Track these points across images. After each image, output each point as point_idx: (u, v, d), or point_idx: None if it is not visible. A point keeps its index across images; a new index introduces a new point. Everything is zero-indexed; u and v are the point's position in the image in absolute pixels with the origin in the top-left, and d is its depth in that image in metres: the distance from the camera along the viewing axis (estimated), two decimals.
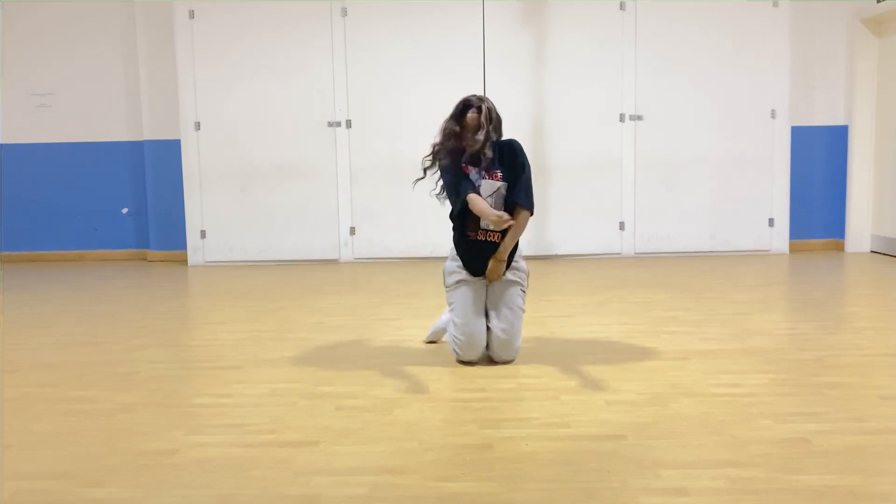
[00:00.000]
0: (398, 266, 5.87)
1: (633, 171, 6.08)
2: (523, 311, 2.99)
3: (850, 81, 6.14)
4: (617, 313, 3.88)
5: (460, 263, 3.00)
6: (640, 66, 6.00)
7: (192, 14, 6.06)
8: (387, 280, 5.20)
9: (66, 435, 2.26)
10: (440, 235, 6.04)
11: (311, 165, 6.13)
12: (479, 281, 2.98)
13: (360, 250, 6.19)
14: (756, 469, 1.90)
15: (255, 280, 5.33)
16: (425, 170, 2.97)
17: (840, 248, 6.30)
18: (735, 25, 5.97)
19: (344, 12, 6.00)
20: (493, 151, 2.89)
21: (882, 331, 3.38)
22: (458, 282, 2.99)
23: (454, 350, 2.95)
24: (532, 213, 2.93)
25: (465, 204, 2.84)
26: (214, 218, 6.21)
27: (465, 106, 2.88)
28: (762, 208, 6.13)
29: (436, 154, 2.93)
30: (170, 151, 6.32)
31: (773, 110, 6.05)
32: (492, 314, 2.95)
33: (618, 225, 6.13)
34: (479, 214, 2.84)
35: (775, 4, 5.96)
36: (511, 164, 2.91)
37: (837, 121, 6.24)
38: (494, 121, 2.88)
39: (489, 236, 2.90)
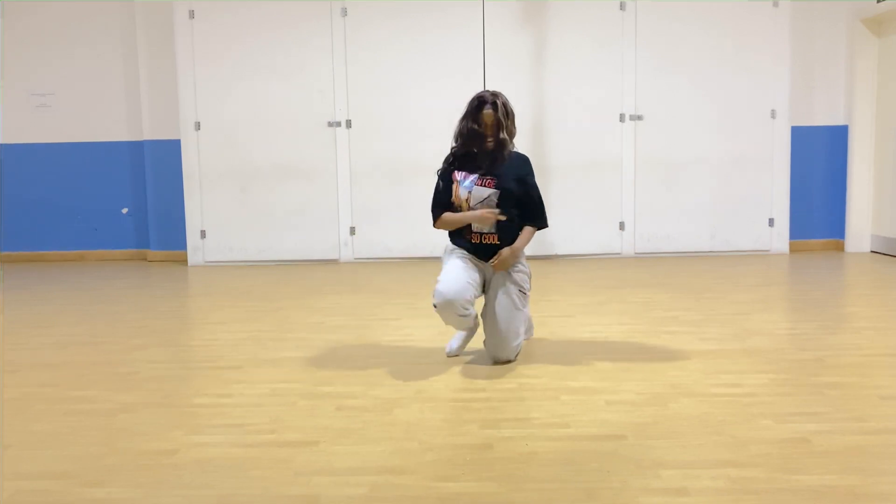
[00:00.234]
0: (398, 266, 5.87)
1: (633, 171, 6.08)
2: (522, 311, 2.97)
3: (850, 81, 6.14)
4: (617, 313, 3.88)
5: (455, 246, 3.00)
6: (640, 66, 6.00)
7: (192, 14, 6.06)
8: (387, 280, 5.20)
9: (66, 435, 2.26)
10: (440, 235, 6.04)
11: (311, 165, 6.13)
12: (476, 261, 2.96)
13: (360, 250, 6.19)
14: (756, 469, 1.90)
15: (255, 280, 5.33)
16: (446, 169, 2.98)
17: (840, 248, 6.30)
18: (735, 25, 5.97)
19: (344, 12, 6.00)
20: (500, 158, 2.88)
21: (882, 331, 3.38)
22: (454, 252, 2.97)
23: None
24: (547, 226, 3.02)
25: (437, 221, 2.93)
26: (214, 218, 6.21)
27: (480, 102, 2.86)
28: (762, 208, 6.13)
29: (451, 159, 2.95)
30: (170, 151, 6.32)
31: (773, 110, 6.05)
32: (489, 312, 2.94)
33: (618, 225, 6.13)
34: (461, 224, 2.87)
35: (775, 4, 5.96)
36: (520, 180, 2.90)
37: (837, 121, 6.24)
38: (511, 116, 2.89)
39: (485, 238, 2.90)
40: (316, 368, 2.94)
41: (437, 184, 2.97)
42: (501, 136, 2.85)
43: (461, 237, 2.97)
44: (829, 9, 6.12)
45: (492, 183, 2.87)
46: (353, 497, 1.80)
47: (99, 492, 1.86)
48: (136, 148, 6.56)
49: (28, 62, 6.58)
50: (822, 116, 6.24)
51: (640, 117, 6.04)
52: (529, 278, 3.03)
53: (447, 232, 3.02)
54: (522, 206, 2.94)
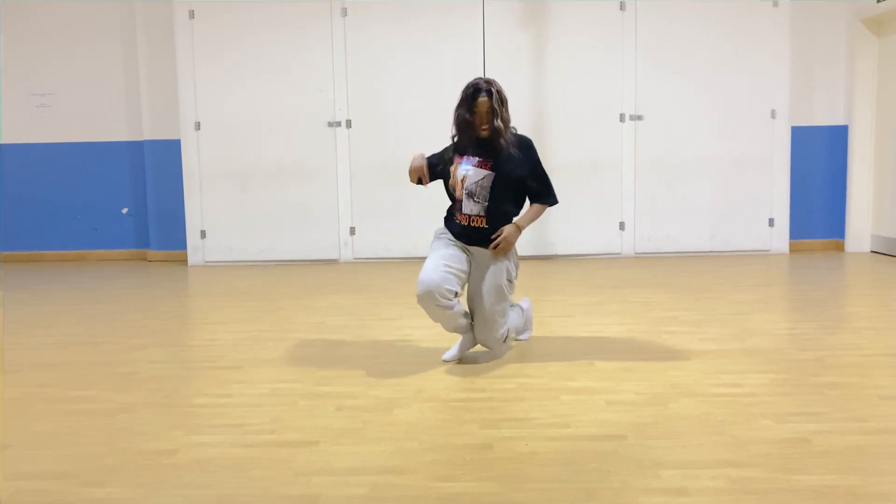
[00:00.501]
0: (398, 266, 5.87)
1: (633, 171, 6.08)
2: (508, 298, 2.95)
3: (850, 81, 6.14)
4: (617, 313, 3.88)
5: (445, 229, 3.02)
6: (640, 66, 6.00)
7: (192, 14, 6.06)
8: (387, 280, 5.20)
9: (66, 435, 2.26)
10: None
11: (311, 165, 6.13)
12: (463, 247, 2.96)
13: (360, 250, 6.19)
14: (756, 469, 1.90)
15: (255, 280, 5.33)
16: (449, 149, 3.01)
17: (840, 248, 6.30)
18: (735, 25, 5.97)
19: (344, 12, 6.00)
20: (498, 142, 2.89)
21: (882, 331, 3.38)
22: (441, 237, 3.00)
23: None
24: (557, 202, 3.04)
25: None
26: (214, 218, 6.21)
27: (474, 91, 2.86)
28: (762, 208, 6.13)
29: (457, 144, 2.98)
30: (170, 151, 6.32)
31: (773, 110, 6.05)
32: (475, 295, 2.93)
33: (618, 225, 6.13)
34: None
35: (775, 4, 5.96)
36: (527, 164, 2.91)
37: (837, 121, 6.24)
38: (504, 103, 2.90)
39: (473, 221, 2.90)
40: (316, 368, 2.94)
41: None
42: (496, 123, 2.85)
43: (452, 219, 2.98)
44: (829, 9, 6.12)
45: (488, 165, 2.88)
46: (353, 497, 1.80)
47: (99, 492, 1.86)
48: (136, 148, 6.56)
49: (28, 62, 6.58)
50: (822, 116, 6.24)
51: (640, 117, 6.04)
52: (517, 268, 3.02)
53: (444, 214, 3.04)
54: (527, 187, 2.96)
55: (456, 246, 2.96)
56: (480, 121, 2.85)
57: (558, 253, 6.13)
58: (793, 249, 6.21)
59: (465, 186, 2.88)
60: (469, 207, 2.89)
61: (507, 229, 2.89)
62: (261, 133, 6.12)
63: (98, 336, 3.62)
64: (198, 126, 6.14)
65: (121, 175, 6.63)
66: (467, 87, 2.88)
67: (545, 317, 3.78)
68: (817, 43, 6.16)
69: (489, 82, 2.88)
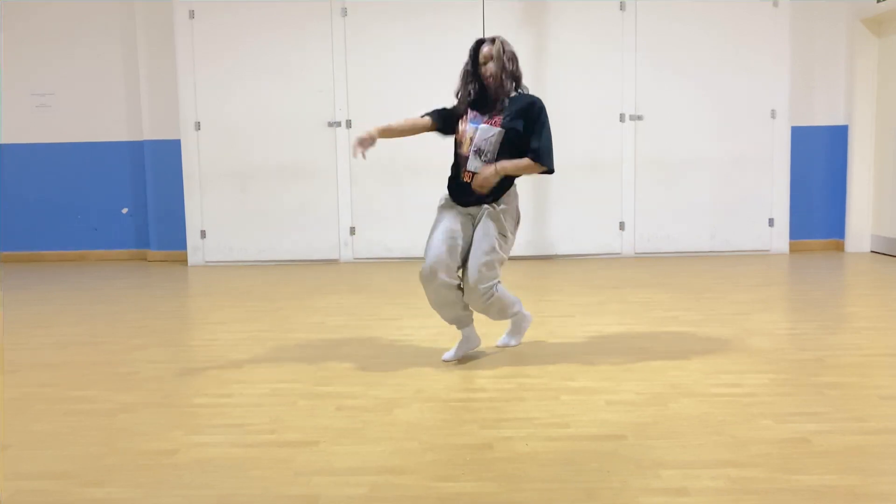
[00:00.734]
0: (398, 266, 5.87)
1: (633, 171, 6.08)
2: (497, 253, 2.89)
3: (850, 81, 6.14)
4: (617, 313, 3.88)
5: (448, 194, 3.01)
6: (640, 66, 6.00)
7: (192, 14, 6.06)
8: (387, 280, 5.20)
9: (66, 435, 2.26)
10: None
11: (311, 165, 6.13)
12: (460, 211, 2.96)
13: (360, 250, 6.19)
14: (756, 469, 1.90)
15: (255, 280, 5.33)
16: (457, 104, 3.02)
17: (840, 248, 6.30)
18: (735, 25, 5.97)
19: (344, 12, 6.00)
20: (510, 101, 2.89)
21: (882, 331, 3.38)
22: (442, 206, 3.00)
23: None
24: (552, 171, 2.97)
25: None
26: (214, 218, 6.21)
27: (478, 42, 2.91)
28: (762, 208, 6.13)
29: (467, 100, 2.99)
30: (170, 151, 6.32)
31: (773, 110, 6.05)
32: (468, 250, 2.94)
33: (618, 225, 6.13)
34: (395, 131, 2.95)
35: (775, 4, 5.96)
36: (530, 121, 2.89)
37: (837, 121, 6.24)
38: (508, 53, 2.89)
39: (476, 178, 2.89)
40: (316, 368, 2.94)
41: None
42: (501, 73, 2.83)
43: (455, 178, 2.97)
44: (829, 9, 6.12)
45: (497, 123, 2.88)
46: (353, 497, 1.80)
47: (99, 492, 1.86)
48: (136, 148, 6.56)
49: (28, 62, 6.58)
50: (822, 116, 6.24)
51: (640, 117, 6.04)
52: (517, 224, 3.00)
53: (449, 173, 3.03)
54: (528, 146, 2.92)
55: (459, 215, 2.95)
56: (485, 71, 2.87)
57: (558, 253, 6.13)
58: (793, 249, 6.21)
59: (473, 143, 2.89)
60: (474, 164, 2.89)
61: (485, 171, 2.86)
62: (261, 133, 6.12)
63: (98, 336, 3.62)
64: (198, 126, 6.14)
65: (121, 175, 6.63)
66: (473, 44, 2.94)
67: (545, 317, 3.78)
68: (817, 43, 6.16)
69: (494, 37, 2.91)
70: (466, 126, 2.93)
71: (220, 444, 2.15)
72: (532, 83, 5.98)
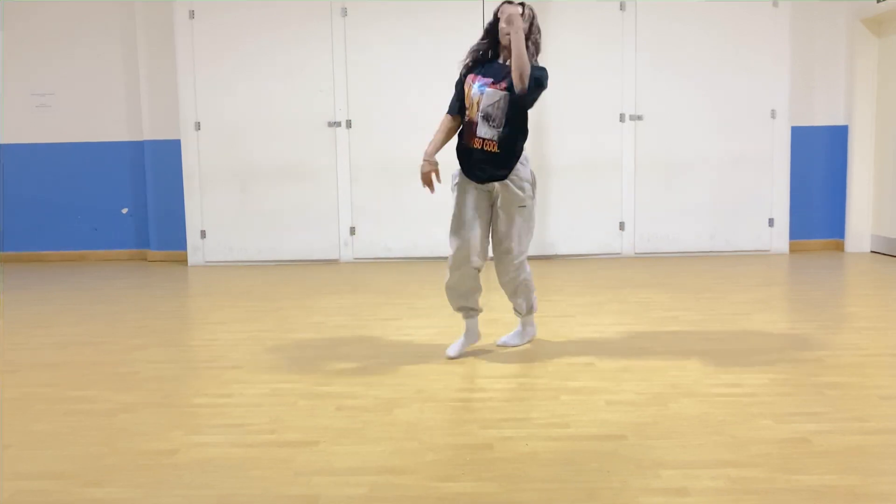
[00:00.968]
0: (398, 266, 5.87)
1: (633, 171, 6.08)
2: (526, 223, 2.97)
3: (850, 81, 6.14)
4: (617, 313, 3.88)
5: (461, 170, 3.01)
6: (640, 66, 6.00)
7: (192, 14, 6.06)
8: (387, 280, 5.20)
9: (66, 435, 2.26)
10: (440, 235, 6.04)
11: (311, 165, 6.13)
12: (478, 188, 2.97)
13: (360, 250, 6.19)
14: (756, 469, 1.90)
15: (255, 280, 5.33)
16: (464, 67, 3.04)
17: (840, 248, 6.30)
18: (735, 25, 5.97)
19: (344, 12, 6.00)
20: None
21: (882, 331, 3.38)
22: (458, 184, 3.02)
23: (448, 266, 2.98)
24: (526, 92, 2.82)
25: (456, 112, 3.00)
26: (214, 218, 6.21)
27: (504, 2, 2.91)
28: (762, 208, 6.13)
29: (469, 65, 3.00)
30: (170, 151, 6.32)
31: (773, 110, 6.05)
32: (495, 236, 3.00)
33: (618, 225, 6.13)
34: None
35: (775, 4, 5.96)
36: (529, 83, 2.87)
37: (837, 121, 6.24)
38: (534, 25, 2.90)
39: (485, 145, 2.89)
40: (316, 368, 2.94)
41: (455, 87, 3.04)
42: (516, 31, 2.79)
43: (464, 147, 2.96)
44: (829, 9, 6.12)
45: (503, 86, 2.88)
46: (353, 497, 1.80)
47: (99, 492, 1.86)
48: (136, 148, 6.56)
49: (28, 62, 6.58)
50: (822, 116, 6.24)
51: (640, 117, 6.04)
52: (533, 187, 3.00)
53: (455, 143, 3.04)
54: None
55: (478, 191, 2.96)
56: (502, 30, 2.86)
57: (558, 253, 6.13)
58: (793, 249, 6.21)
59: (480, 108, 2.88)
60: (483, 131, 2.89)
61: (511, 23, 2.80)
62: (261, 133, 6.12)
63: (98, 336, 3.62)
64: (198, 126, 6.14)
65: (121, 175, 6.63)
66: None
67: (545, 317, 3.78)
68: (817, 43, 6.16)
69: (524, 2, 2.92)
70: (472, 89, 2.92)
71: (220, 444, 2.15)
72: None
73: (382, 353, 3.17)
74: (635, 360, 2.95)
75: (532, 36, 2.90)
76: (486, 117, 2.88)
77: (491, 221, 3.00)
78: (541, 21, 3.13)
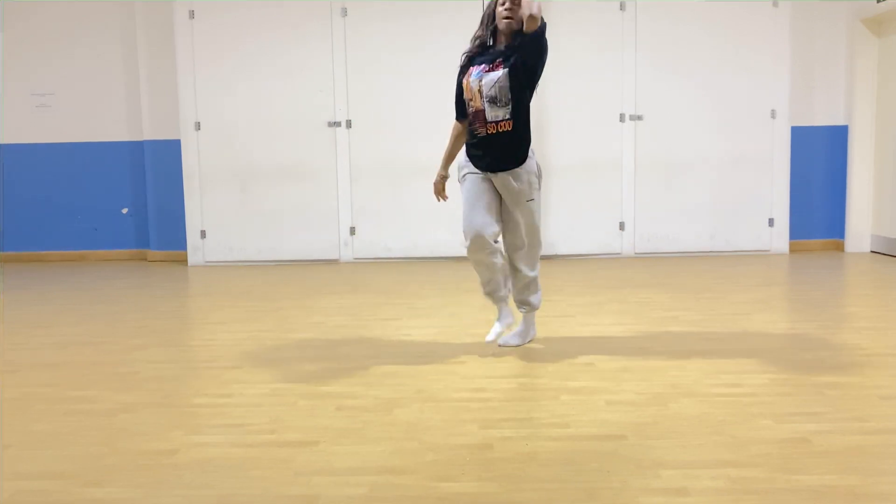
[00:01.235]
0: (398, 266, 5.87)
1: (633, 171, 6.08)
2: (535, 216, 3.02)
3: (850, 81, 6.14)
4: (617, 313, 3.88)
5: (468, 159, 3.03)
6: (640, 66, 6.00)
7: (192, 14, 6.06)
8: (387, 280, 5.20)
9: (66, 435, 2.26)
10: (440, 235, 6.05)
11: (311, 165, 6.13)
12: (485, 177, 2.98)
13: (360, 250, 6.19)
14: (756, 469, 1.90)
15: (255, 280, 5.33)
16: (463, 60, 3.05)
17: (840, 248, 6.30)
18: (735, 25, 5.97)
19: (344, 12, 6.00)
20: (508, 47, 2.88)
21: (882, 331, 3.38)
22: (466, 175, 3.03)
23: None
24: (539, 24, 2.78)
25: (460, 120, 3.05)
26: (214, 218, 6.21)
27: None
28: (762, 208, 6.13)
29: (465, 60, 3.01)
30: (170, 151, 6.32)
31: (773, 110, 6.05)
32: (511, 240, 3.04)
33: (618, 225, 6.13)
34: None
35: (775, 4, 5.96)
36: (524, 39, 2.83)
37: (837, 121, 6.24)
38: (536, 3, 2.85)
39: (500, 126, 2.89)
40: (316, 368, 2.93)
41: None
42: (522, 18, 2.80)
43: (474, 139, 2.96)
44: (829, 9, 6.12)
45: (500, 65, 2.87)
46: (353, 497, 1.80)
47: (99, 492, 1.86)
48: (136, 148, 6.56)
49: (28, 62, 6.58)
50: (822, 116, 6.24)
51: (640, 117, 6.04)
52: (539, 179, 3.02)
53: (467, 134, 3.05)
54: (531, 68, 2.88)
55: (485, 181, 2.98)
56: (501, 13, 2.85)
57: (558, 253, 6.13)
58: (793, 249, 6.21)
59: (484, 95, 2.87)
60: (493, 113, 2.88)
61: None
62: (261, 133, 6.13)
63: (98, 336, 3.62)
64: (198, 126, 6.14)
65: (121, 175, 6.63)
66: None
67: (545, 317, 3.78)
68: (817, 43, 6.16)
69: None
70: (470, 82, 2.92)
71: (220, 444, 2.15)
72: None
73: (382, 353, 3.17)
74: (635, 360, 2.95)
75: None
76: (493, 100, 2.87)
77: (501, 208, 3.02)
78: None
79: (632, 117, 6.04)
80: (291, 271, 5.76)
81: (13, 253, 6.71)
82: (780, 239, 6.16)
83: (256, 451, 2.09)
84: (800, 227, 6.25)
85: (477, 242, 2.93)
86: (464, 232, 2.97)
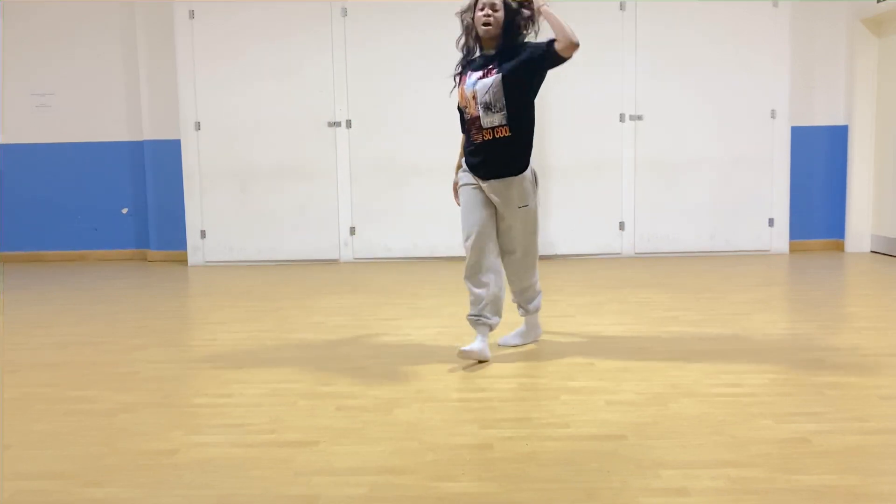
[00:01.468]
0: (398, 266, 5.87)
1: (633, 171, 6.08)
2: (535, 234, 3.00)
3: (850, 81, 6.14)
4: (617, 313, 3.88)
5: (467, 169, 2.99)
6: (640, 66, 6.00)
7: (192, 14, 6.06)
8: (387, 280, 5.20)
9: (66, 435, 2.26)
10: (440, 235, 6.05)
11: (311, 165, 6.13)
12: (479, 188, 2.95)
13: (360, 250, 6.19)
14: (756, 469, 1.90)
15: (255, 280, 5.33)
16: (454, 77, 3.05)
17: (840, 248, 6.30)
18: (735, 25, 5.97)
19: (344, 12, 6.00)
20: (499, 53, 2.88)
21: (882, 331, 3.38)
22: (465, 185, 3.00)
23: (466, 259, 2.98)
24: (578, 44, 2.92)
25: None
26: (214, 218, 6.21)
27: None
28: (762, 208, 6.13)
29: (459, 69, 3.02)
30: (170, 151, 6.32)
31: (773, 110, 6.05)
32: (507, 248, 3.01)
33: (618, 225, 6.13)
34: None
35: (775, 4, 5.96)
36: (525, 58, 2.88)
37: (837, 121, 6.24)
38: (509, 5, 2.89)
39: (496, 132, 2.86)
40: (316, 368, 2.93)
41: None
42: (504, 23, 2.83)
43: (471, 147, 2.93)
44: (829, 9, 6.12)
45: (493, 71, 2.86)
46: (353, 497, 1.80)
47: (99, 492, 1.86)
48: (136, 148, 6.56)
49: (28, 62, 6.58)
50: (822, 116, 6.24)
51: (640, 117, 6.04)
52: (535, 185, 2.98)
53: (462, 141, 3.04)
54: (534, 56, 2.89)
55: (478, 192, 2.95)
56: (478, 20, 2.86)
57: (558, 253, 6.13)
58: (793, 249, 6.21)
59: (479, 101, 2.86)
60: (489, 120, 2.86)
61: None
62: (261, 133, 6.13)
63: (98, 336, 3.62)
64: (198, 126, 6.14)
65: (121, 175, 6.63)
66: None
67: (545, 317, 3.77)
68: (817, 43, 6.16)
69: None
70: (464, 89, 2.91)
71: (220, 444, 2.15)
72: None
73: (382, 353, 3.17)
74: (635, 360, 2.95)
75: (516, 21, 2.91)
76: (487, 106, 2.85)
77: (496, 217, 3.00)
78: (540, 20, 3.13)
79: (632, 117, 6.04)
80: (291, 271, 5.76)
81: (13, 253, 6.70)
82: (780, 239, 6.16)
83: (256, 451, 2.09)
84: (800, 227, 6.25)
85: (479, 236, 2.91)
86: (464, 234, 2.95)
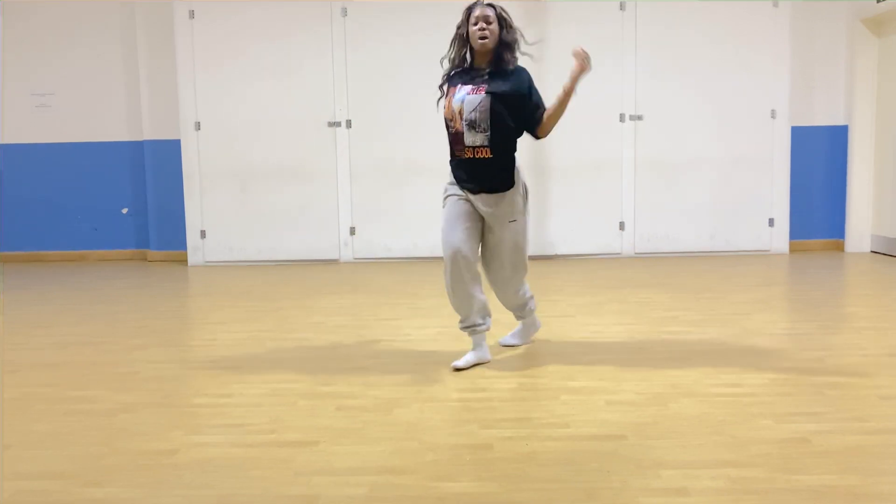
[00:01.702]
0: (398, 266, 5.87)
1: (633, 171, 6.08)
2: (525, 252, 2.95)
3: (850, 81, 6.14)
4: (617, 313, 3.88)
5: (453, 181, 2.95)
6: (640, 66, 6.00)
7: (192, 14, 6.06)
8: (387, 280, 5.20)
9: (66, 435, 2.26)
10: (440, 235, 6.04)
11: (311, 165, 6.13)
12: (466, 199, 2.90)
13: (360, 250, 6.19)
14: (756, 469, 1.90)
15: (255, 280, 5.33)
16: (441, 88, 3.01)
17: (840, 248, 6.30)
18: (735, 25, 5.97)
19: (344, 12, 6.00)
20: (493, 71, 2.88)
21: (882, 331, 3.38)
22: (449, 196, 2.95)
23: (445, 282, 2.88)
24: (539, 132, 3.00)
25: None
26: (214, 218, 6.21)
27: (472, 4, 2.90)
28: (762, 208, 6.13)
29: (446, 78, 2.99)
30: (170, 151, 6.32)
31: (773, 110, 6.05)
32: (493, 259, 2.94)
33: (618, 225, 6.13)
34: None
35: (775, 4, 5.96)
36: (518, 81, 2.89)
37: (837, 121, 6.24)
38: (509, 24, 2.90)
39: (477, 153, 2.83)
40: (316, 368, 2.93)
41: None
42: (497, 30, 2.84)
43: (455, 161, 2.90)
44: (829, 9, 6.12)
45: (483, 90, 2.83)
46: (353, 497, 1.80)
47: (99, 492, 1.86)
48: (136, 148, 6.56)
49: (28, 62, 6.58)
50: (822, 116, 6.24)
51: (640, 117, 6.04)
52: (525, 199, 2.93)
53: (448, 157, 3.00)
54: (527, 110, 2.92)
55: (467, 203, 2.89)
56: (473, 34, 2.86)
57: (558, 253, 6.13)
58: (793, 249, 6.21)
59: (464, 117, 2.82)
60: (471, 138, 2.82)
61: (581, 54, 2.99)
62: (261, 133, 6.12)
63: (98, 336, 3.62)
64: (198, 126, 6.14)
65: (121, 175, 6.63)
66: (465, 10, 2.93)
67: (545, 317, 3.77)
68: (817, 43, 6.16)
69: (492, 2, 2.90)
70: (452, 101, 2.87)
71: (220, 444, 2.15)
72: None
73: (382, 353, 3.17)
74: (635, 360, 2.95)
75: (511, 34, 2.90)
76: (471, 124, 2.81)
77: (482, 229, 2.93)
78: (541, 21, 3.12)
79: (632, 117, 6.04)
80: (291, 271, 5.76)
81: (13, 253, 6.70)
82: (780, 239, 6.16)
83: (256, 451, 2.09)
84: (800, 227, 6.25)
85: (455, 260, 2.80)
86: (443, 249, 2.85)
